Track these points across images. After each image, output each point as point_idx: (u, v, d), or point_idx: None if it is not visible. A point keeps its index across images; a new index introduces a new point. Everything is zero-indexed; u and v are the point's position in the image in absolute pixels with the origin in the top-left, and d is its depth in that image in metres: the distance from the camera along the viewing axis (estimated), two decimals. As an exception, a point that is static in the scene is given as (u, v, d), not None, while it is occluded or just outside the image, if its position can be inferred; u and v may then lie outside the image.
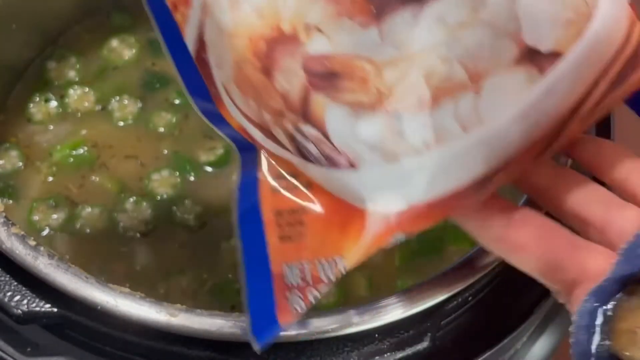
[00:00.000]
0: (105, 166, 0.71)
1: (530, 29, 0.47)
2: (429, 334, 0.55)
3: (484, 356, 0.58)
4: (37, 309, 0.54)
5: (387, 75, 0.46)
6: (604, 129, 0.64)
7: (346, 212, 0.48)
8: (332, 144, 0.47)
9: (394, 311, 0.53)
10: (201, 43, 0.48)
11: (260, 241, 0.49)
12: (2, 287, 0.55)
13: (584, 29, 0.48)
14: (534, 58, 0.47)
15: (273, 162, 0.50)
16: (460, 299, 0.56)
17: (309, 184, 0.49)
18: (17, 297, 0.54)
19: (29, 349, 0.57)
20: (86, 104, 0.74)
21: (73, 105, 0.74)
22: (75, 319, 0.54)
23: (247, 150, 0.50)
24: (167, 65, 0.76)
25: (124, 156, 0.72)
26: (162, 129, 0.73)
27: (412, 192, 0.47)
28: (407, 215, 0.47)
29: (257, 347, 0.48)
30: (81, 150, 0.72)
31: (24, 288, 0.55)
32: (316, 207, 0.49)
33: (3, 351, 0.56)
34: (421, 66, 0.46)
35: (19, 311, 0.54)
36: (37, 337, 0.57)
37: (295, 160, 0.49)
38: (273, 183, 0.49)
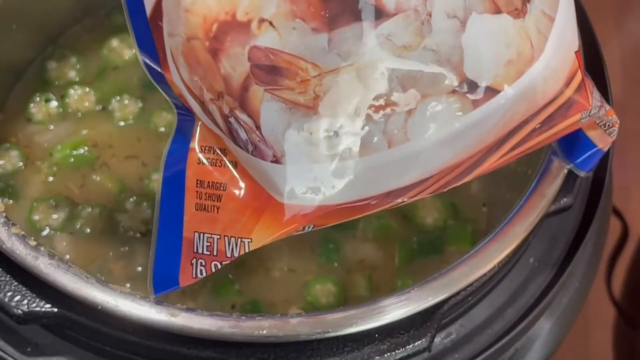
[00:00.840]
0: (105, 166, 0.71)
1: (472, 63, 0.49)
2: (429, 334, 0.55)
3: (484, 356, 0.58)
4: (38, 309, 0.54)
5: (327, 82, 0.48)
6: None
7: (264, 201, 0.50)
8: (262, 135, 0.49)
9: (394, 311, 0.53)
10: (158, 8, 0.49)
11: (178, 205, 0.52)
12: (2, 287, 0.55)
13: (524, 71, 0.50)
14: (471, 90, 0.49)
15: (206, 134, 0.51)
16: (460, 299, 0.56)
17: (235, 164, 0.51)
18: (18, 297, 0.54)
19: (29, 349, 0.57)
20: (86, 103, 0.74)
21: (73, 105, 0.74)
22: (75, 319, 0.54)
23: (185, 115, 0.52)
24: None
25: (124, 156, 0.72)
26: (162, 129, 0.73)
27: (327, 194, 0.49)
28: (318, 213, 0.49)
29: (152, 296, 0.52)
30: (81, 150, 0.72)
31: (24, 288, 0.55)
32: (236, 187, 0.51)
33: (3, 351, 0.56)
34: (362, 79, 0.48)
35: (19, 311, 0.54)
36: (37, 337, 0.57)
37: (226, 139, 0.51)
38: (202, 154, 0.52)
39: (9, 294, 0.55)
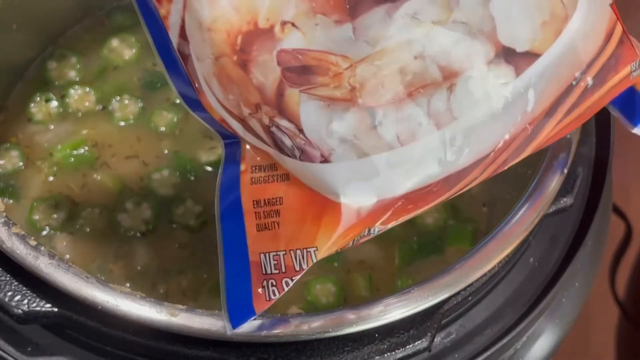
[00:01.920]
0: (105, 166, 0.71)
1: (505, 30, 0.48)
2: (429, 334, 0.55)
3: (484, 356, 0.58)
4: (38, 308, 0.54)
5: (360, 71, 0.47)
6: (603, 131, 0.64)
7: (321, 204, 0.49)
8: (306, 137, 0.48)
9: (394, 311, 0.53)
10: (183, 37, 0.49)
11: (240, 231, 0.50)
12: (2, 287, 0.55)
13: (560, 30, 0.49)
14: (510, 58, 0.48)
15: (253, 154, 0.51)
16: (460, 299, 0.56)
17: (286, 176, 0.50)
18: (18, 297, 0.54)
19: (29, 349, 0.57)
20: (87, 103, 0.74)
21: (74, 105, 0.74)
22: (75, 319, 0.54)
23: (231, 141, 0.51)
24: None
25: (124, 156, 0.72)
26: (163, 128, 0.73)
27: (383, 186, 0.48)
28: (379, 209, 0.48)
29: (230, 330, 0.50)
30: (82, 150, 0.72)
31: (24, 288, 0.55)
32: (292, 198, 0.50)
33: (3, 351, 0.56)
34: (394, 63, 0.47)
35: (20, 311, 0.54)
36: (38, 337, 0.57)
37: (273, 152, 0.50)
38: (253, 174, 0.51)
39: (9, 293, 0.55)
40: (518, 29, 0.48)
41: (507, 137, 0.49)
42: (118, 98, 0.74)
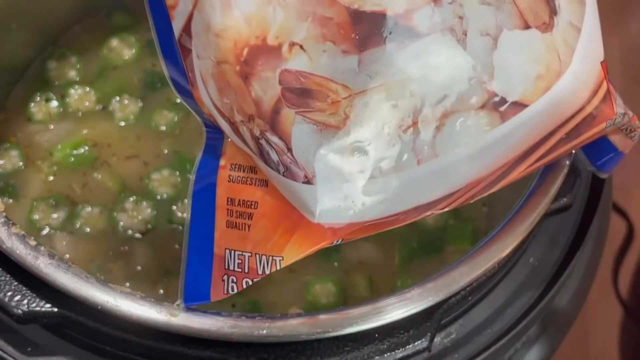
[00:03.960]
0: (106, 165, 0.71)
1: (502, 80, 0.49)
2: (429, 334, 0.55)
3: (484, 356, 0.58)
4: (38, 308, 0.54)
5: (358, 102, 0.48)
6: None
7: (294, 220, 0.50)
8: (293, 157, 0.49)
9: (394, 311, 0.53)
10: (187, 32, 0.49)
11: (209, 222, 0.51)
12: (2, 287, 0.55)
13: (552, 85, 0.50)
14: (499, 105, 0.49)
15: (235, 151, 0.51)
16: (460, 299, 0.56)
17: (264, 182, 0.51)
18: (18, 297, 0.54)
19: (29, 349, 0.57)
20: (87, 103, 0.74)
21: (74, 105, 0.74)
22: (75, 319, 0.54)
23: (214, 134, 0.52)
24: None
25: (124, 156, 0.72)
26: (163, 128, 0.73)
27: (359, 212, 0.49)
28: (348, 228, 0.49)
29: (182, 305, 0.52)
30: (82, 150, 0.72)
31: (24, 288, 0.55)
32: (267, 206, 0.51)
33: (3, 351, 0.56)
34: (391, 99, 0.48)
35: (19, 311, 0.54)
36: (37, 337, 0.57)
37: (256, 159, 0.50)
38: (232, 172, 0.52)
39: (9, 293, 0.55)
40: (514, 80, 0.49)
41: (480, 176, 0.50)
42: (118, 98, 0.74)
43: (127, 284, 0.65)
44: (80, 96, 0.74)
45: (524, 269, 0.61)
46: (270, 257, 0.50)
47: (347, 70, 0.48)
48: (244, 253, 0.51)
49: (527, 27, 0.50)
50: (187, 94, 0.51)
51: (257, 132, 0.49)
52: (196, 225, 0.52)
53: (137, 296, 0.53)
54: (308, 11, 0.47)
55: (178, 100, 0.74)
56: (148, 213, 0.69)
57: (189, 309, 0.53)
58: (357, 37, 0.47)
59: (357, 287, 0.67)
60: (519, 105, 0.50)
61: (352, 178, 0.48)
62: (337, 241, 0.50)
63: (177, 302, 0.52)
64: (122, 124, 0.73)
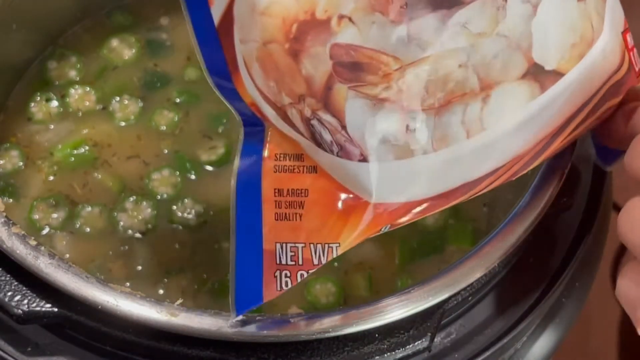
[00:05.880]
0: (106, 165, 0.71)
1: (540, 47, 0.49)
2: (429, 334, 0.55)
3: (484, 356, 0.58)
4: (38, 308, 0.54)
5: (409, 74, 0.47)
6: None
7: (350, 202, 0.49)
8: (347, 134, 0.48)
9: (394, 311, 0.53)
10: (229, 15, 0.48)
11: (255, 217, 0.50)
12: (2, 286, 0.55)
13: (585, 53, 0.50)
14: (538, 75, 0.49)
15: (280, 141, 0.50)
16: (460, 299, 0.56)
17: (314, 168, 0.50)
18: (18, 297, 0.54)
19: (29, 349, 0.57)
20: (87, 103, 0.74)
21: (74, 105, 0.74)
22: (75, 319, 0.54)
23: (253, 126, 0.51)
24: (168, 64, 0.77)
25: (124, 155, 0.72)
26: (163, 128, 0.73)
27: (414, 189, 0.49)
28: (401, 209, 0.49)
29: (234, 316, 0.50)
30: (82, 150, 0.72)
31: (24, 288, 0.55)
32: (319, 192, 0.50)
33: (3, 351, 0.56)
34: (441, 69, 0.48)
35: (20, 311, 0.54)
36: (37, 337, 0.57)
37: (305, 143, 0.50)
38: (277, 162, 0.50)
39: (9, 293, 0.55)
40: (551, 48, 0.49)
41: (523, 149, 0.50)
42: (118, 98, 0.74)
43: (127, 284, 0.65)
44: (81, 96, 0.74)
45: (524, 269, 0.61)
46: (326, 245, 0.49)
47: (397, 41, 0.47)
48: (296, 244, 0.49)
49: None
50: (227, 84, 0.50)
51: (308, 113, 0.48)
52: (242, 225, 0.50)
53: (137, 296, 0.53)
54: None
55: (178, 100, 0.74)
56: (148, 213, 0.69)
57: (189, 309, 0.53)
58: (405, 5, 0.47)
59: (357, 287, 0.67)
60: (557, 74, 0.49)
61: (406, 154, 0.48)
62: (386, 227, 0.49)
63: (178, 302, 0.52)
64: (123, 123, 0.73)
